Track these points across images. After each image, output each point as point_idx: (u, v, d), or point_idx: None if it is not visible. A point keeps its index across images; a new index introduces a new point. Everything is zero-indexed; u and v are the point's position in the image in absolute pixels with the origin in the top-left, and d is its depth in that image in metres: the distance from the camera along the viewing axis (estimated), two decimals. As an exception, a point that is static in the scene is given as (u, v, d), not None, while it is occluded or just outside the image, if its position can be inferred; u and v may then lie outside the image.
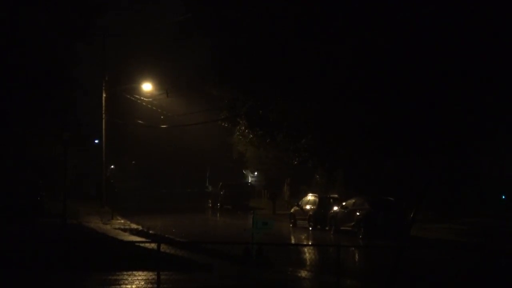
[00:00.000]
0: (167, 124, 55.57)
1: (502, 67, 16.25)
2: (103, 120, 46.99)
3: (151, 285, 15.80)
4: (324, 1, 16.77)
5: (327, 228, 36.04)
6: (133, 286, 16.28)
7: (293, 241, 32.38)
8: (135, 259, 18.19)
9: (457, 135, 17.49)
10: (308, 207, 38.79)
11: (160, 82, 51.10)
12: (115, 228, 32.49)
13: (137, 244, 21.91)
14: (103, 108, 46.99)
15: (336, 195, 40.54)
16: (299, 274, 19.68)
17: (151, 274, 16.30)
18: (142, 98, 50.93)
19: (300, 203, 40.11)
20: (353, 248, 26.23)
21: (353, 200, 34.65)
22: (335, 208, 35.69)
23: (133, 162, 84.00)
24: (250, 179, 72.38)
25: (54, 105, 33.04)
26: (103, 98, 47.00)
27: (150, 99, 50.94)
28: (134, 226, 34.51)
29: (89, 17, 32.95)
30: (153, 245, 18.01)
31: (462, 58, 16.13)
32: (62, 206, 32.73)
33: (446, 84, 16.37)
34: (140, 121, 55.53)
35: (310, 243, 31.34)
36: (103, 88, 47.04)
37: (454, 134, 17.40)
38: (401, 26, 16.08)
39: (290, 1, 17.52)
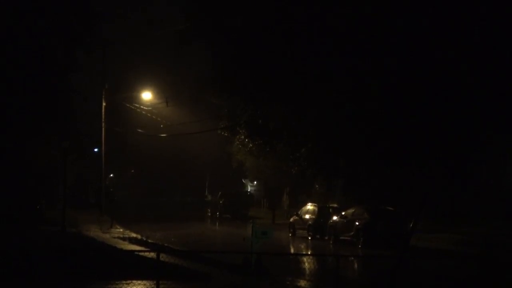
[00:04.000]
0: (167, 133, 55.54)
1: (500, 76, 16.28)
2: (103, 129, 46.95)
3: (150, 294, 15.79)
4: (325, 14, 16.81)
5: (326, 237, 36.00)
6: (132, 295, 16.27)
7: (292, 251, 32.30)
8: (134, 268, 18.15)
9: (456, 144, 17.50)
10: (307, 216, 38.74)
11: (160, 91, 51.07)
12: (114, 237, 32.43)
13: (136, 253, 21.87)
14: (103, 116, 46.97)
15: (335, 205, 40.54)
16: (298, 284, 19.61)
17: (150, 283, 16.29)
18: (141, 106, 50.92)
19: (299, 213, 40.06)
20: (352, 258, 26.19)
21: (353, 210, 34.61)
22: (335, 217, 35.65)
23: (132, 170, 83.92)
24: (249, 188, 72.31)
25: (53, 113, 33.02)
26: (103, 107, 46.98)
27: (150, 108, 50.93)
28: (133, 235, 34.47)
29: (88, 25, 32.95)
30: (152, 254, 17.99)
31: (460, 67, 16.16)
32: (61, 214, 32.69)
33: (445, 94, 16.40)
34: (139, 130, 55.52)
35: (309, 253, 31.27)
36: (103, 96, 47.03)
37: (453, 143, 17.41)
38: (400, 38, 16.11)
39: (291, 10, 17.55)
